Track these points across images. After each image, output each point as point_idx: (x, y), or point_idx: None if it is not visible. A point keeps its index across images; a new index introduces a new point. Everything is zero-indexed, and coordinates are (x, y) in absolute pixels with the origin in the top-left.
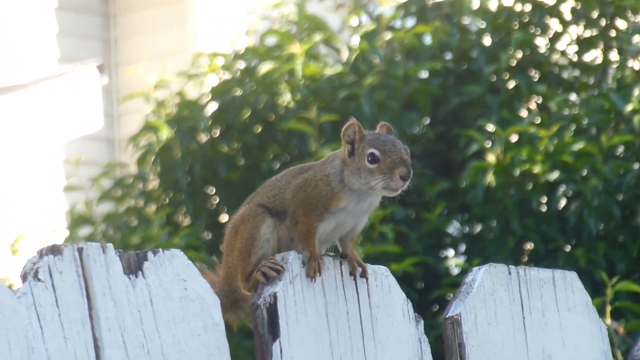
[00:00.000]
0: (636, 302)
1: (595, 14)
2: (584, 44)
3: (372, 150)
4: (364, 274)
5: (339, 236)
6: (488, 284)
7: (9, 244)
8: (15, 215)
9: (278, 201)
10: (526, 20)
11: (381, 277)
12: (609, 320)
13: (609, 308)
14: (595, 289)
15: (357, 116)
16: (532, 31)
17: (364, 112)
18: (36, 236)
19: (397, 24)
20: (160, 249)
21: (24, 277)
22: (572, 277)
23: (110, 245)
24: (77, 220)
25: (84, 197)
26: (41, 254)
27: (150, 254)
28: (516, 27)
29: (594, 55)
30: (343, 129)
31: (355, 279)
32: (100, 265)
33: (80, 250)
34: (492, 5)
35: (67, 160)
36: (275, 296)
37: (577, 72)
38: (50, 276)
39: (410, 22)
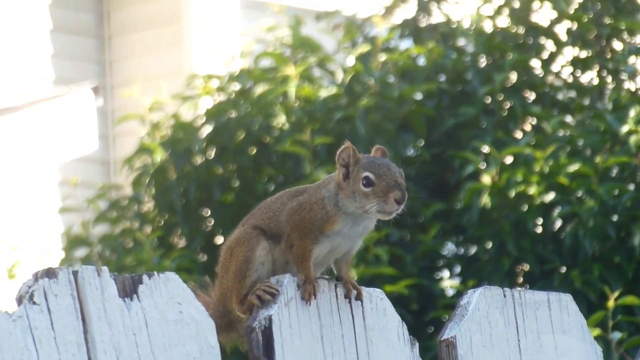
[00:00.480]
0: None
1: (591, 35)
2: (580, 65)
3: (366, 173)
4: (359, 297)
5: (334, 259)
6: (483, 307)
7: (6, 269)
8: (11, 237)
9: (273, 223)
10: (521, 42)
11: (376, 299)
12: (611, 335)
13: (611, 323)
14: (590, 309)
15: (352, 138)
16: (527, 52)
17: (359, 133)
18: (32, 258)
19: (392, 44)
20: (155, 272)
21: (20, 301)
22: (567, 299)
23: (105, 269)
24: (73, 242)
25: (79, 218)
26: (36, 277)
27: (145, 277)
28: (511, 49)
29: (589, 77)
30: (338, 153)
31: (350, 302)
32: (96, 288)
33: (75, 274)
34: (487, 27)
35: (63, 182)
36: (270, 319)
37: (572, 94)
38: (46, 299)
39: (405, 43)
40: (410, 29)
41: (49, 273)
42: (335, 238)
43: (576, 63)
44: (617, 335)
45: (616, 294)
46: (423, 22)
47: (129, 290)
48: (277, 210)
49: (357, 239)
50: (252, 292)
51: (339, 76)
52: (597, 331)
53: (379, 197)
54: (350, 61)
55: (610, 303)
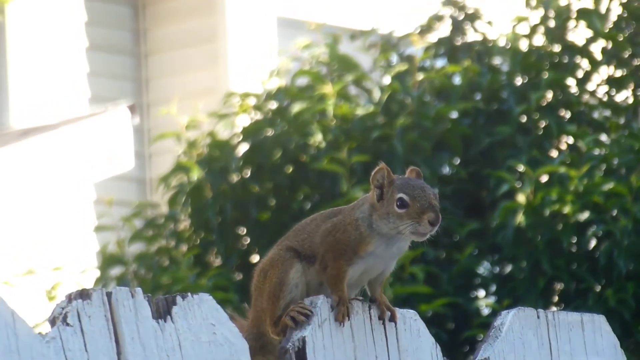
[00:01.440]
0: None
1: (626, 54)
2: (615, 84)
3: (401, 195)
4: (392, 318)
5: (368, 280)
6: (517, 328)
7: (45, 291)
8: (47, 256)
9: (307, 245)
10: (556, 61)
11: (410, 321)
12: None
13: None
14: (624, 328)
15: (389, 157)
16: (562, 71)
17: (396, 152)
18: (68, 277)
19: (427, 64)
20: (189, 294)
21: (53, 322)
22: (600, 320)
23: (139, 290)
24: (108, 260)
25: (114, 237)
26: (70, 298)
27: (179, 299)
28: (547, 67)
29: (624, 96)
30: (372, 174)
31: (384, 323)
32: (129, 309)
33: (109, 295)
34: (523, 45)
35: (98, 200)
36: (304, 340)
37: (607, 112)
38: (79, 321)
39: (440, 62)
40: (445, 47)
41: (83, 294)
42: (369, 259)
43: (611, 82)
44: None
45: None
46: (458, 41)
47: (162, 312)
48: (312, 231)
49: (391, 261)
50: (286, 314)
51: (376, 95)
52: None
53: (413, 219)
54: (387, 80)
55: None
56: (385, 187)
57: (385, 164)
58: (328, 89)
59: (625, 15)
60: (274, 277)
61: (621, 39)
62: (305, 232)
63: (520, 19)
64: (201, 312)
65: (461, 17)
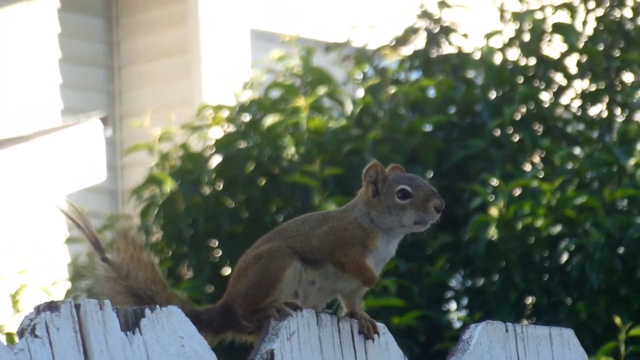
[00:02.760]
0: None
1: (601, 68)
2: (589, 98)
3: (402, 186)
4: (375, 330)
5: (347, 292)
6: (485, 342)
7: (9, 295)
8: (16, 267)
9: (305, 246)
10: (531, 74)
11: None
12: None
13: (623, 353)
14: (596, 342)
15: (362, 170)
16: (537, 85)
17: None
18: (37, 288)
19: (402, 76)
20: (158, 306)
21: (21, 333)
22: (568, 334)
23: (107, 302)
24: (79, 272)
25: (86, 249)
26: (38, 310)
27: (147, 311)
28: (521, 81)
29: (598, 109)
30: (364, 170)
31: (366, 338)
32: (98, 321)
33: (77, 307)
34: (497, 59)
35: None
36: (272, 353)
37: (581, 126)
38: (48, 332)
39: (415, 75)
40: (420, 60)
41: (51, 306)
42: (374, 256)
43: (586, 96)
44: None
45: (628, 325)
46: (433, 54)
47: (131, 324)
48: (307, 233)
49: (381, 265)
50: (271, 306)
51: (349, 107)
52: None
53: (418, 208)
54: (360, 93)
55: (622, 335)
56: (379, 183)
57: (377, 161)
58: (301, 102)
59: (601, 28)
60: (271, 269)
61: (596, 53)
62: (301, 234)
63: (494, 33)
64: (170, 324)
65: (436, 29)
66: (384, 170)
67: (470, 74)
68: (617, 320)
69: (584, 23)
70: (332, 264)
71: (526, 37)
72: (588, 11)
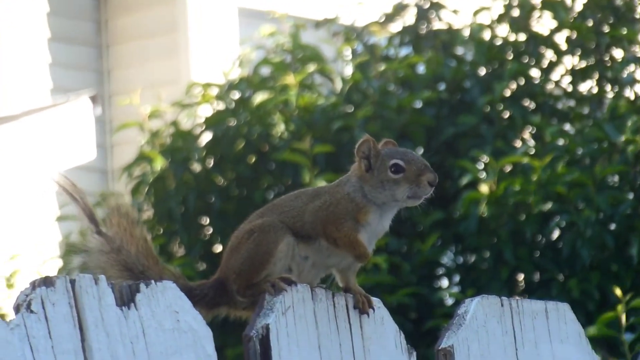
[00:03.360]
0: None
1: (592, 45)
2: (579, 74)
3: (395, 161)
4: (370, 304)
5: (340, 266)
6: (481, 316)
7: (4, 277)
8: (9, 246)
9: (298, 221)
10: (521, 50)
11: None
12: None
13: (624, 324)
14: (588, 319)
15: (351, 147)
16: (527, 61)
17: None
18: (30, 266)
19: (391, 52)
20: (153, 281)
21: (17, 309)
22: (564, 308)
23: (102, 277)
24: (70, 250)
25: (77, 226)
26: (34, 285)
27: (142, 286)
28: (510, 58)
29: (589, 86)
30: (357, 146)
31: (360, 313)
32: (93, 296)
33: (72, 282)
34: (486, 36)
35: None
36: (267, 328)
37: (572, 103)
38: (43, 308)
39: (404, 51)
40: (410, 36)
41: (47, 281)
42: (367, 231)
43: (575, 72)
44: (629, 337)
45: (628, 297)
46: (423, 30)
47: (126, 299)
48: (300, 209)
49: (375, 240)
50: (266, 281)
51: (339, 84)
52: (609, 331)
53: (411, 182)
54: (349, 70)
55: (620, 307)
56: (372, 158)
57: (370, 136)
58: (290, 79)
59: (591, 4)
60: (263, 244)
61: (586, 29)
62: (294, 209)
63: (482, 9)
64: (165, 299)
65: (427, 5)
66: (377, 145)
67: (460, 50)
68: (618, 291)
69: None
70: (325, 239)
71: (515, 13)
72: None
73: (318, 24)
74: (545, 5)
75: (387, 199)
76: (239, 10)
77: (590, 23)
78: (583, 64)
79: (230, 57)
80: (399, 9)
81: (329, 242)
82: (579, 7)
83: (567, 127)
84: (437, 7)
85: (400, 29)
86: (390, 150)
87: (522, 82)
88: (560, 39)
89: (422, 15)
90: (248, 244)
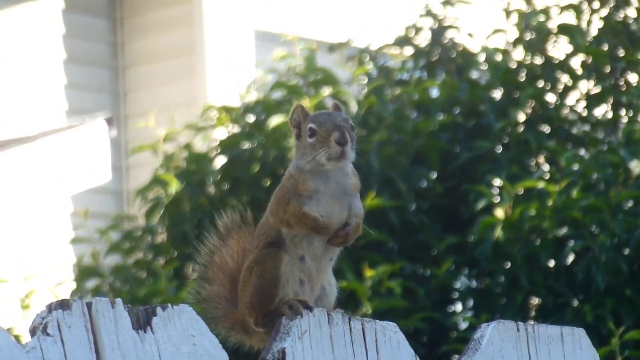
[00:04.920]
0: None
1: (607, 69)
2: (594, 99)
3: (310, 124)
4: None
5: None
6: (496, 341)
7: (19, 299)
8: (23, 267)
9: (272, 230)
10: (537, 74)
11: (390, 333)
12: None
13: (619, 358)
14: (602, 344)
15: (366, 171)
16: (542, 86)
17: (373, 166)
18: (43, 288)
19: (405, 76)
20: (169, 305)
21: (33, 332)
22: (580, 333)
23: (119, 300)
24: (84, 273)
25: (91, 249)
26: (50, 308)
27: (159, 309)
28: (526, 82)
29: (604, 110)
30: (290, 115)
31: (364, 336)
32: (109, 320)
33: (89, 305)
34: (501, 59)
35: (75, 213)
36: (284, 352)
37: (587, 127)
38: (59, 331)
39: (418, 74)
40: (424, 60)
41: (63, 304)
42: (319, 199)
43: (590, 96)
44: None
45: (621, 329)
46: (436, 54)
47: (142, 322)
48: (266, 218)
49: (346, 198)
50: (284, 303)
51: (353, 108)
52: None
53: (323, 144)
54: (364, 93)
55: (614, 340)
56: (302, 124)
57: (300, 104)
58: (305, 103)
59: (606, 29)
60: (266, 274)
61: (601, 54)
62: (263, 223)
63: (497, 32)
64: (181, 323)
65: (440, 29)
66: (306, 111)
67: (475, 74)
68: (611, 325)
69: (589, 23)
70: (283, 227)
71: (532, 37)
72: (593, 11)
73: (331, 48)
74: (561, 30)
75: (312, 164)
76: (256, 33)
77: (605, 47)
78: (598, 89)
79: (246, 80)
80: (412, 30)
81: (286, 227)
82: (594, 31)
83: (582, 151)
84: (451, 30)
85: (412, 52)
86: (313, 115)
87: (537, 106)
88: (576, 63)
89: (436, 38)
90: (252, 280)
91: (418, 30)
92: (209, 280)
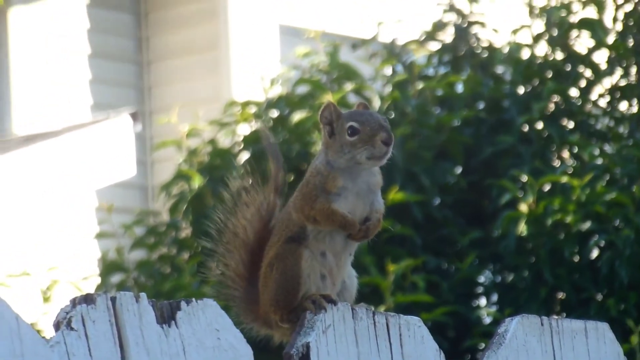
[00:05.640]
0: None
1: (632, 64)
2: (619, 94)
3: (350, 123)
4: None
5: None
6: (520, 335)
7: (41, 290)
8: (47, 261)
9: (294, 226)
10: (560, 69)
11: (414, 327)
12: None
13: (638, 355)
14: (626, 338)
15: (389, 166)
16: (565, 80)
17: (396, 161)
18: (67, 283)
19: (430, 71)
20: (194, 299)
21: (57, 326)
22: (604, 328)
23: (143, 295)
24: (109, 267)
25: (115, 244)
26: (74, 303)
27: (183, 304)
28: (549, 77)
29: (628, 105)
30: (320, 112)
31: (388, 330)
32: (134, 314)
33: (113, 300)
34: (525, 54)
35: (100, 207)
36: (308, 346)
37: (611, 122)
38: (84, 325)
39: (444, 69)
40: (449, 55)
41: (87, 299)
42: (346, 196)
43: (614, 91)
44: None
45: None
46: (462, 49)
47: (167, 317)
48: (288, 214)
49: (370, 195)
50: (307, 298)
51: (376, 103)
52: None
53: (366, 143)
54: (388, 89)
55: (634, 338)
56: (334, 122)
57: (331, 101)
58: (328, 98)
59: (631, 24)
60: (288, 270)
61: (624, 50)
62: (284, 218)
63: (521, 28)
64: (205, 317)
65: (465, 24)
66: (338, 109)
67: (499, 69)
68: (630, 322)
69: (614, 20)
70: (309, 223)
71: (554, 32)
72: (618, 7)
73: (355, 45)
74: (582, 25)
75: (349, 162)
76: (280, 28)
77: (630, 43)
78: (623, 83)
79: (270, 75)
80: (439, 27)
81: (312, 223)
82: (619, 27)
83: (606, 146)
84: (476, 25)
85: (439, 47)
86: (349, 113)
87: (560, 101)
88: (598, 57)
89: (461, 34)
90: (273, 275)
91: (443, 25)
92: (226, 250)
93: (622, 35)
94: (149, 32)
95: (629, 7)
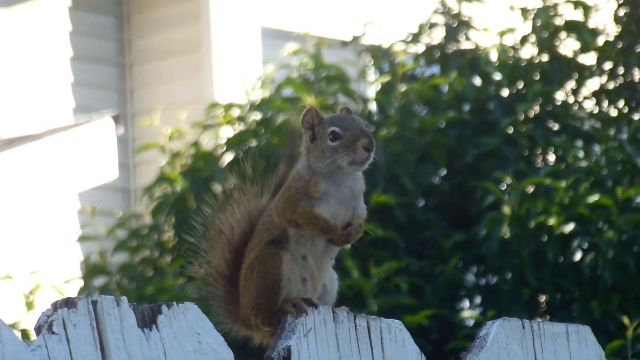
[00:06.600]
0: None
1: (620, 66)
2: (605, 96)
3: (332, 128)
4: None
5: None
6: (502, 338)
7: (23, 294)
8: (29, 265)
9: (275, 229)
10: (545, 71)
11: (395, 330)
12: None
13: (630, 352)
14: (609, 340)
15: (372, 168)
16: (551, 83)
17: (379, 164)
18: (49, 286)
19: (418, 72)
20: (175, 303)
21: (38, 330)
22: (585, 330)
23: (124, 299)
24: (91, 270)
25: (98, 247)
26: (55, 306)
27: (164, 307)
28: (535, 79)
29: (616, 107)
30: (301, 116)
31: (369, 334)
32: (115, 318)
33: (94, 304)
34: (510, 56)
35: (82, 210)
36: (289, 350)
37: (597, 124)
38: (65, 329)
39: (432, 70)
40: (437, 55)
41: (68, 303)
42: (329, 201)
43: (601, 93)
44: None
45: (635, 323)
46: (450, 49)
47: (148, 321)
48: (269, 217)
49: (352, 201)
50: (288, 302)
51: (361, 105)
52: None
53: (348, 148)
54: (372, 91)
55: (629, 332)
56: (316, 127)
57: (313, 105)
58: (312, 100)
59: (620, 29)
60: (268, 274)
61: (613, 53)
62: (265, 221)
63: (507, 30)
64: (187, 321)
65: (454, 24)
66: (320, 114)
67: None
68: (625, 319)
69: (604, 25)
70: (291, 227)
71: (541, 34)
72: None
73: (345, 43)
74: (568, 27)
75: (330, 167)
76: (262, 30)
77: (619, 45)
78: (611, 85)
79: (252, 77)
80: (428, 27)
81: (294, 227)
82: (609, 30)
83: (596, 148)
84: (465, 26)
85: (425, 49)
86: (331, 117)
87: (545, 103)
88: (585, 60)
89: (450, 34)
90: (254, 279)
91: (432, 25)
92: (209, 247)
93: (616, 38)
94: (131, 34)
95: (622, 12)
